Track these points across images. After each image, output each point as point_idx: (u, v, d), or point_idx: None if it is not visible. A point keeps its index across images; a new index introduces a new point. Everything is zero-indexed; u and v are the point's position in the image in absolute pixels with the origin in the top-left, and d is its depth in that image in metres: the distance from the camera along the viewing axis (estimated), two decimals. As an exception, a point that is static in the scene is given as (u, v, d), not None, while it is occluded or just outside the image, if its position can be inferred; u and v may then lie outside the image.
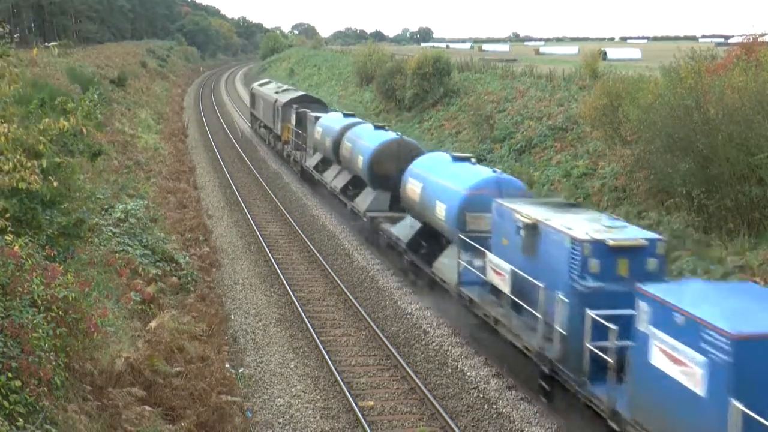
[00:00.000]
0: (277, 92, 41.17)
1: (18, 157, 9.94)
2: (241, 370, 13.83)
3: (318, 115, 31.62)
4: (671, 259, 16.57)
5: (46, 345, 7.94)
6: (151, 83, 66.27)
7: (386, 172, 22.44)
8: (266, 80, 54.56)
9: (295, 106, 34.96)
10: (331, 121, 29.56)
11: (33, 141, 10.75)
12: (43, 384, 7.61)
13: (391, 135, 24.30)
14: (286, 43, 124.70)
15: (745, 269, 16.12)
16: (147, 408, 9.11)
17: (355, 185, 25.55)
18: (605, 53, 69.06)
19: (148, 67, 75.08)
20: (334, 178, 27.37)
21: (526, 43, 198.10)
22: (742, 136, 17.56)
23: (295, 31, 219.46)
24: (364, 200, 23.70)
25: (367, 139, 24.43)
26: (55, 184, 10.71)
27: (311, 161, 31.05)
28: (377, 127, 25.65)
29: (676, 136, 18.88)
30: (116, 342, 10.73)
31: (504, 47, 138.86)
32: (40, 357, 7.69)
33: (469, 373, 14.73)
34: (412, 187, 19.55)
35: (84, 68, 45.19)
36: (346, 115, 29.74)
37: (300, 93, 40.45)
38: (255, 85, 49.67)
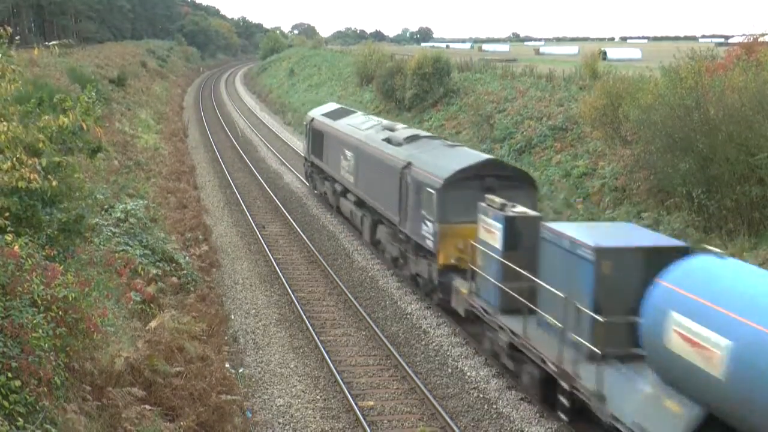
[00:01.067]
0: (396, 142, 20.41)
1: (18, 155, 9.96)
2: (241, 370, 13.85)
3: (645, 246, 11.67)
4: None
5: (46, 345, 7.91)
6: (151, 83, 66.24)
7: None
8: (336, 106, 30.82)
9: (492, 200, 14.68)
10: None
11: (32, 139, 10.75)
12: (43, 384, 7.58)
13: None
14: (286, 43, 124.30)
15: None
16: (147, 407, 9.09)
17: None
18: (605, 53, 69.11)
19: (148, 67, 75.04)
20: None
21: (526, 43, 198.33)
22: (742, 136, 17.52)
23: (295, 31, 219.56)
24: None
25: None
26: (54, 183, 10.72)
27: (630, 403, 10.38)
28: None
29: (676, 136, 18.84)
30: (116, 342, 10.71)
31: (504, 47, 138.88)
32: (40, 357, 7.67)
33: (469, 373, 14.71)
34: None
35: (84, 68, 45.08)
36: None
37: (482, 157, 18.26)
38: (318, 114, 29.45)
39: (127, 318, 12.59)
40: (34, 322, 7.96)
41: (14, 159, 9.94)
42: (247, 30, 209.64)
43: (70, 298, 8.71)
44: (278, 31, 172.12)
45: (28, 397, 7.34)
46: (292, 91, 69.50)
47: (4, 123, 9.91)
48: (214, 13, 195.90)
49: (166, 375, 10.22)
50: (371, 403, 13.35)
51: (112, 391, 8.74)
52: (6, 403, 7.08)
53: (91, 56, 60.66)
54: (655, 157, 19.71)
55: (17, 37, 14.07)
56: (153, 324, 11.86)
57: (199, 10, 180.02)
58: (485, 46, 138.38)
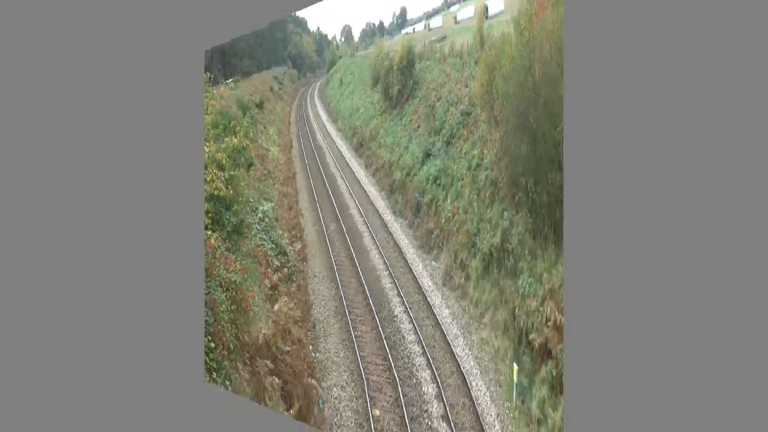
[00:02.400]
0: None
1: (213, 170, 10.77)
2: (317, 355, 10.95)
3: None
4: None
5: (226, 317, 7.29)
6: (275, 105, 66.81)
7: None
8: None
9: None
10: None
11: (221, 156, 11.57)
12: (225, 348, 6.97)
13: None
14: (338, 55, 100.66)
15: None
16: (275, 379, 8.55)
17: None
18: (487, 8, 25.37)
19: (274, 91, 75.44)
20: None
21: (451, 8, 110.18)
22: (552, 99, 8.09)
23: (341, 38, 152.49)
24: None
25: None
26: (231, 192, 10.81)
27: None
28: None
29: (520, 110, 9.55)
30: (258, 320, 10.02)
31: (437, 21, 44.85)
32: (223, 327, 7.10)
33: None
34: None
35: (244, 97, 42.37)
36: None
37: None
38: None
39: (264, 300, 12.05)
40: (221, 299, 7.61)
41: (213, 173, 10.77)
42: (320, 46, 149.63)
43: (238, 282, 8.11)
44: (334, 43, 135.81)
45: (219, 356, 6.73)
46: (341, 99, 60.89)
47: (207, 144, 10.58)
48: (303, 25, 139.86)
49: (282, 352, 9.49)
50: (377, 412, 9.44)
51: (259, 362, 8.45)
52: (207, 359, 6.65)
53: (247, 87, 58.03)
54: (509, 139, 10.41)
55: (212, 76, 14.64)
56: (276, 307, 12.17)
57: (298, 25, 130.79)
58: (432, 23, 44.96)
